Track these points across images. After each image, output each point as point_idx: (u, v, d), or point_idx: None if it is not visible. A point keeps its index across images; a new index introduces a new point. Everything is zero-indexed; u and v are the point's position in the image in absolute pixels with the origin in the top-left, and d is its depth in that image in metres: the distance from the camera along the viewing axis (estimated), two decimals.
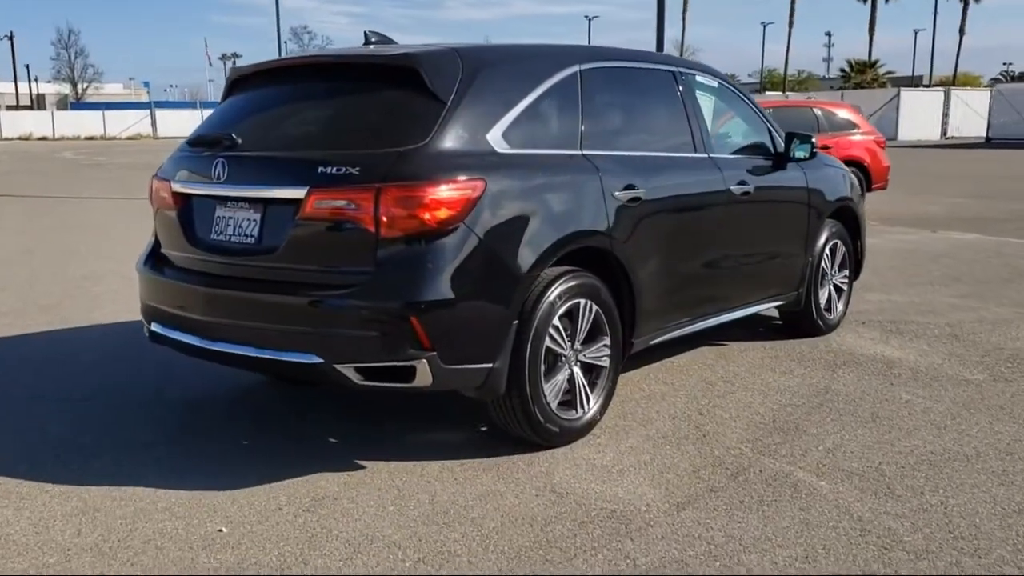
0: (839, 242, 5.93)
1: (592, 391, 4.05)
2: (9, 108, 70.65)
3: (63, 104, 77.54)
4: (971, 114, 43.14)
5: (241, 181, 3.70)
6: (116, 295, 7.34)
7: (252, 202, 3.68)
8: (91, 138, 56.86)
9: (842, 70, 75.33)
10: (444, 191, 3.41)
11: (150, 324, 4.10)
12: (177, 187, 4.00)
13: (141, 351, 5.15)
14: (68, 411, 4.49)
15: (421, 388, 3.44)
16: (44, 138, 55.84)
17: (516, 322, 3.61)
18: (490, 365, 3.55)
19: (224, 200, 3.78)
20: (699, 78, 4.98)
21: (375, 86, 3.72)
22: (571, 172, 3.93)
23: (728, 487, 3.51)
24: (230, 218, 3.75)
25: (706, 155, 4.80)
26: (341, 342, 3.41)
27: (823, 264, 5.76)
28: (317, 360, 3.43)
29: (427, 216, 3.37)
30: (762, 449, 3.92)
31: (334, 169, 3.41)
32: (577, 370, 3.97)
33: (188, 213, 3.96)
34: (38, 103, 79.46)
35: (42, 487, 3.54)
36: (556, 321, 3.79)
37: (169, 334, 3.92)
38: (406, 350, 3.37)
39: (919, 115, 42.30)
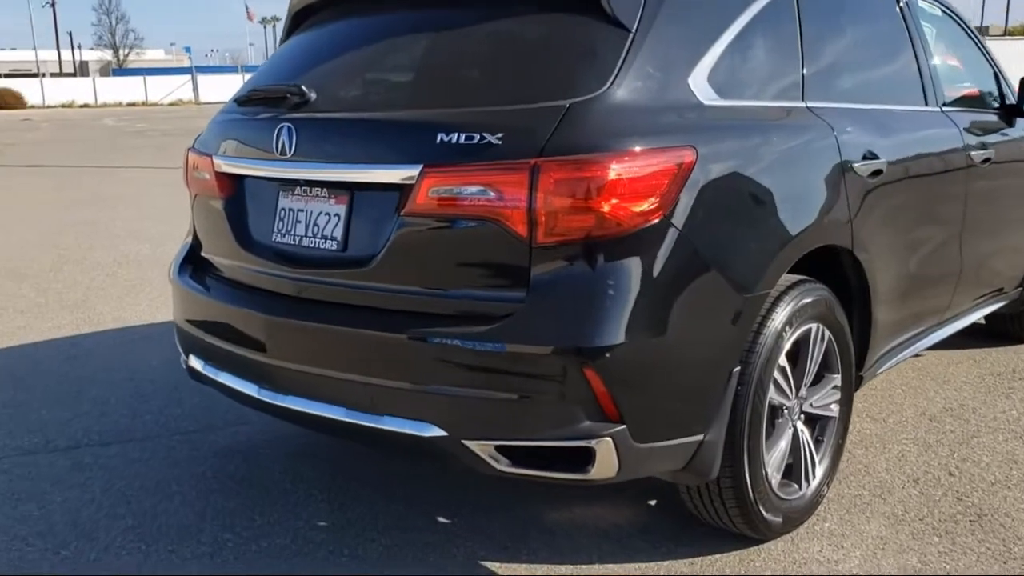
0: None
1: (817, 453, 2.80)
2: (53, 75, 70.38)
3: (106, 71, 77.18)
4: None
5: (317, 157, 2.49)
6: (150, 285, 6.24)
7: (333, 188, 2.47)
8: (133, 104, 56.32)
9: None
10: (639, 166, 2.15)
11: (188, 357, 2.92)
12: (223, 165, 2.78)
13: (174, 375, 3.99)
14: (69, 494, 3.34)
15: (600, 480, 2.21)
16: (86, 105, 55.44)
17: (737, 368, 2.36)
18: (700, 437, 2.32)
19: (291, 185, 2.57)
20: (921, 3, 3.63)
21: (519, 8, 2.46)
22: (797, 134, 2.66)
23: None
24: (300, 211, 2.54)
25: (938, 108, 3.48)
26: (474, 407, 2.20)
27: None
28: (437, 432, 2.23)
29: (612, 208, 2.13)
30: None
31: (462, 137, 2.18)
32: (801, 427, 2.73)
33: (238, 202, 2.75)
34: (81, 70, 79.23)
35: None
36: (782, 360, 2.54)
37: (216, 376, 2.73)
38: (579, 422, 2.14)
39: None
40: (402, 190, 2.28)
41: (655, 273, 2.17)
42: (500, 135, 2.15)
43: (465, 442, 2.21)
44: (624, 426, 2.14)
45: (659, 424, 2.24)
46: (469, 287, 2.23)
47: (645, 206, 2.15)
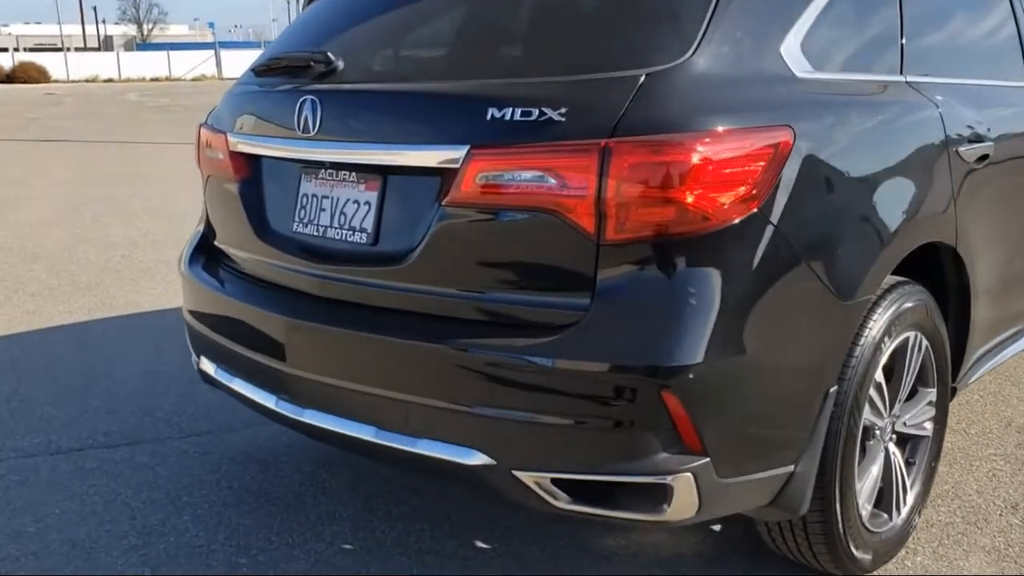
0: None
1: (908, 477, 2.46)
2: (77, 50, 70.39)
3: (130, 46, 77.19)
4: None
5: (344, 135, 2.16)
6: (166, 267, 5.93)
7: (363, 172, 2.14)
8: (156, 79, 56.21)
9: None
10: (730, 149, 1.81)
11: (200, 358, 2.61)
12: (238, 144, 2.46)
13: (188, 368, 3.69)
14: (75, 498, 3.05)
15: (676, 522, 1.88)
16: (110, 80, 55.41)
17: (834, 387, 2.02)
18: (790, 468, 1.98)
19: (315, 167, 2.25)
20: None
21: None
22: (900, 113, 2.30)
23: None
24: (325, 197, 2.22)
25: None
26: (528, 432, 1.87)
27: None
28: (483, 460, 1.90)
29: (697, 199, 1.79)
30: None
31: (516, 113, 1.85)
32: (893, 448, 2.38)
33: (255, 186, 2.43)
34: (105, 45, 79.24)
35: None
36: (878, 375, 2.20)
37: (230, 383, 2.42)
38: (654, 454, 1.81)
39: None
40: (444, 175, 1.95)
41: (746, 277, 1.83)
42: (562, 111, 1.81)
43: (516, 473, 1.88)
44: (707, 459, 1.81)
45: (746, 455, 1.90)
46: (522, 291, 1.90)
47: (736, 197, 1.80)
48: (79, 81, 54.41)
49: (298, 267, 2.27)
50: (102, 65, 57.40)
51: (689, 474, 1.80)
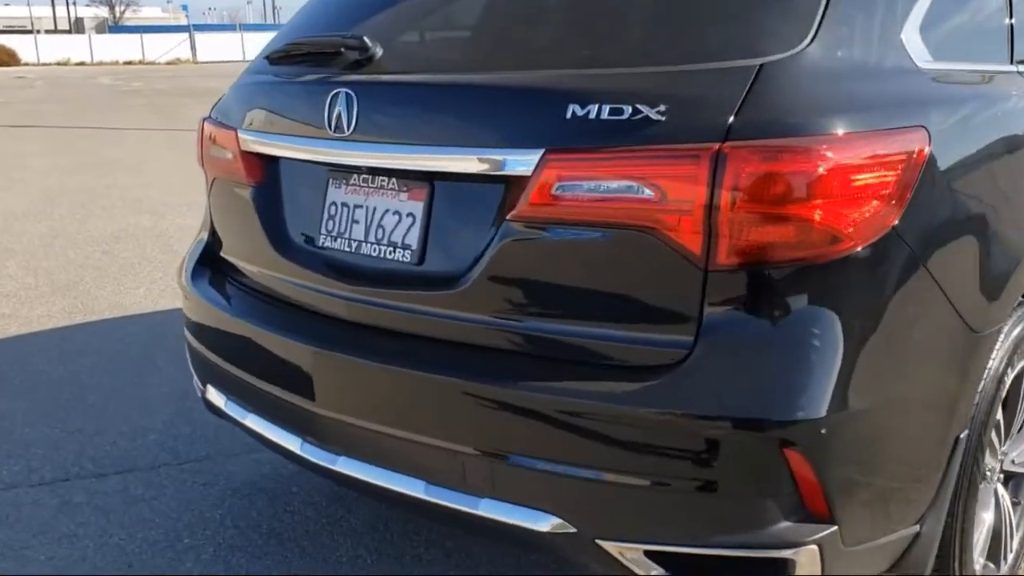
0: None
1: (1015, 518, 2.19)
2: (47, 32, 68.99)
3: (101, 28, 75.79)
4: None
5: (385, 134, 1.83)
6: (150, 265, 5.59)
7: (407, 178, 1.82)
8: (129, 63, 55.20)
9: None
10: (863, 157, 1.51)
11: (205, 387, 2.29)
12: (251, 142, 2.13)
13: (181, 379, 3.35)
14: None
15: None
16: (82, 63, 54.35)
17: (965, 433, 1.73)
18: (915, 529, 1.69)
19: (346, 172, 1.92)
20: None
21: None
22: (1018, 106, 2.00)
23: None
24: (358, 207, 1.90)
25: None
26: (615, 495, 1.57)
27: None
28: (560, 526, 1.59)
29: (826, 216, 1.48)
30: None
31: (603, 110, 1.54)
32: (1001, 491, 2.10)
33: (271, 192, 2.10)
34: (76, 27, 77.72)
35: None
36: (999, 411, 1.91)
37: (245, 420, 2.10)
38: (773, 523, 1.50)
39: None
40: (509, 184, 1.63)
41: (879, 310, 1.53)
42: (661, 108, 1.50)
43: (600, 542, 1.58)
44: (835, 527, 1.51)
45: (873, 518, 1.61)
46: (608, 324, 1.59)
47: (869, 213, 1.50)
48: (50, 64, 53.33)
49: (325, 287, 1.94)
50: (73, 48, 56.25)
51: (814, 546, 1.50)
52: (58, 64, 53.21)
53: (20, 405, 3.45)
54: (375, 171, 1.86)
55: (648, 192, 1.50)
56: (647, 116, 1.50)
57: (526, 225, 1.62)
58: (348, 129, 1.82)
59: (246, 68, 2.38)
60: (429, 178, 1.79)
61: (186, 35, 58.60)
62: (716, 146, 1.46)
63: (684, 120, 1.49)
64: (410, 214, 1.81)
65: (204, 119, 2.35)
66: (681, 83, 1.53)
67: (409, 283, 1.81)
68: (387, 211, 1.85)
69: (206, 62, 51.50)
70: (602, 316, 1.60)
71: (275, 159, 2.10)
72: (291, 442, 1.94)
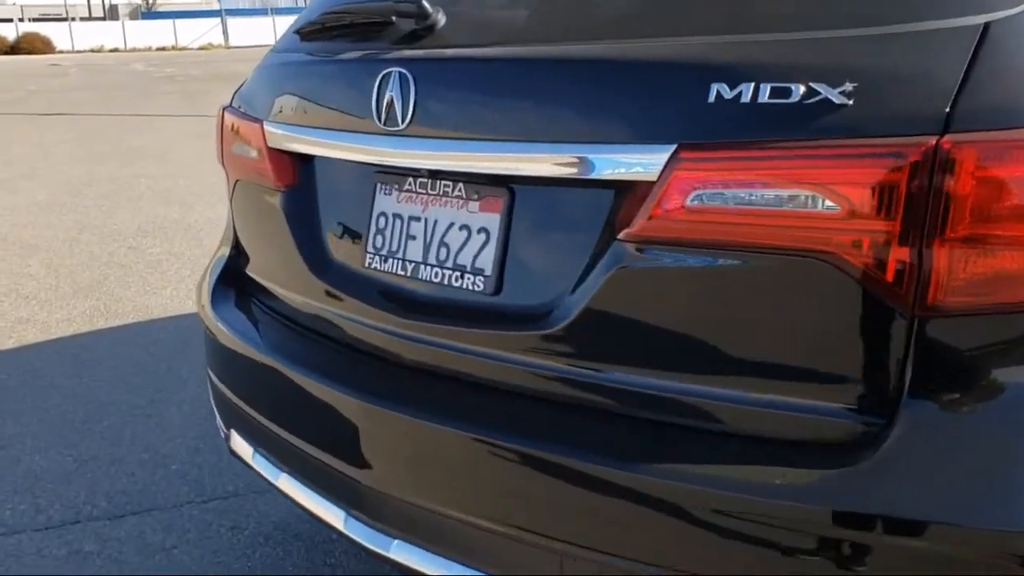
0: None
1: None
2: (82, 19, 69.38)
3: (135, 14, 76.10)
4: None
5: (451, 127, 1.42)
6: (178, 261, 5.25)
7: (478, 183, 1.40)
8: (162, 49, 55.38)
9: None
10: None
11: (230, 432, 1.90)
12: (279, 137, 1.72)
13: (206, 398, 2.97)
14: None
15: None
16: (116, 49, 54.65)
17: None
18: None
19: (398, 176, 1.52)
20: None
21: None
22: None
23: None
24: (414, 219, 1.49)
25: None
26: None
27: None
28: None
29: None
30: None
31: (762, 90, 1.11)
32: None
33: (305, 198, 1.70)
34: (110, 14, 78.10)
35: None
36: None
37: (277, 481, 1.71)
38: None
39: None
40: (622, 191, 1.22)
41: None
42: (847, 87, 1.07)
43: None
44: None
45: None
46: (765, 385, 1.17)
47: None
48: (84, 51, 53.65)
49: (373, 320, 1.54)
50: (107, 35, 56.66)
51: None
52: (92, 51, 53.50)
53: (30, 428, 3.11)
54: (436, 174, 1.45)
55: (827, 205, 1.08)
56: (826, 99, 1.07)
57: (646, 247, 1.20)
58: (403, 121, 1.41)
59: (272, 46, 1.96)
60: (508, 183, 1.37)
61: (218, 20, 58.68)
62: (931, 140, 1.03)
63: (882, 104, 1.06)
64: (482, 229, 1.40)
65: (224, 108, 1.96)
66: (876, 52, 1.10)
67: (481, 319, 1.40)
68: (452, 225, 1.44)
69: (238, 47, 51.52)
70: (752, 373, 1.18)
71: (309, 158, 1.69)
72: (334, 515, 1.55)
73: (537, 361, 1.33)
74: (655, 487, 1.17)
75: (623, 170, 1.20)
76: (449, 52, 1.44)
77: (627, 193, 1.21)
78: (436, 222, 1.47)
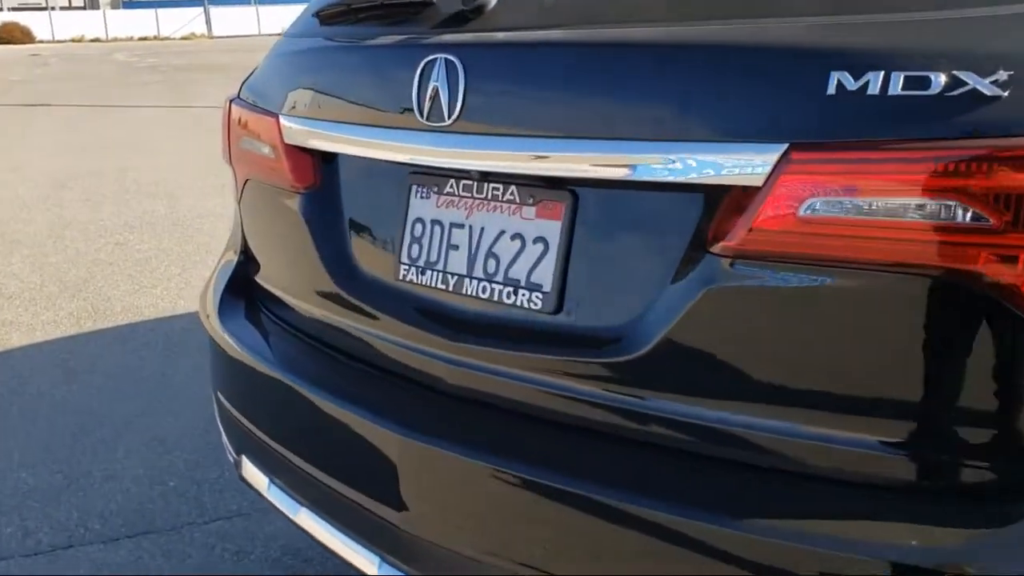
0: None
1: None
2: (62, 9, 68.61)
3: (116, 4, 75.36)
4: None
5: (504, 123, 1.24)
6: (167, 258, 5.05)
7: (532, 186, 1.23)
8: (144, 38, 54.80)
9: None
10: None
11: (240, 459, 1.71)
12: (298, 133, 1.54)
13: (204, 406, 2.77)
14: None
15: None
16: (97, 39, 54.02)
17: None
18: None
19: (439, 177, 1.34)
20: None
21: None
22: None
23: None
24: (457, 226, 1.32)
25: None
26: None
27: None
28: None
29: None
30: None
31: (893, 79, 0.94)
32: None
33: (328, 200, 1.52)
34: (91, 3, 77.31)
35: None
36: None
37: (296, 517, 1.53)
38: None
39: None
40: (715, 197, 1.05)
41: None
42: (999, 76, 0.90)
43: None
44: None
45: None
46: (889, 427, 1.00)
47: None
48: (65, 41, 53.01)
49: (409, 339, 1.37)
50: (88, 24, 56.06)
51: None
52: (73, 41, 52.87)
53: (15, 442, 2.92)
54: (486, 176, 1.27)
55: (974, 216, 0.91)
56: (975, 90, 0.90)
57: (746, 263, 1.03)
58: (449, 116, 1.23)
59: (286, 31, 1.77)
60: (569, 186, 1.20)
61: (201, 9, 58.14)
62: None
63: None
64: (540, 239, 1.23)
65: (231, 100, 1.77)
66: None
67: (538, 341, 1.22)
68: (503, 233, 1.26)
69: (221, 36, 51.09)
70: (872, 411, 1.01)
71: (332, 156, 1.51)
72: (364, 560, 1.37)
73: (608, 392, 1.16)
74: (764, 549, 1.00)
75: (719, 173, 1.03)
76: (504, 36, 1.26)
77: (722, 199, 1.04)
78: (483, 230, 1.29)
